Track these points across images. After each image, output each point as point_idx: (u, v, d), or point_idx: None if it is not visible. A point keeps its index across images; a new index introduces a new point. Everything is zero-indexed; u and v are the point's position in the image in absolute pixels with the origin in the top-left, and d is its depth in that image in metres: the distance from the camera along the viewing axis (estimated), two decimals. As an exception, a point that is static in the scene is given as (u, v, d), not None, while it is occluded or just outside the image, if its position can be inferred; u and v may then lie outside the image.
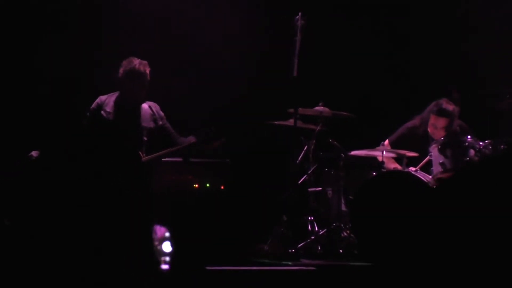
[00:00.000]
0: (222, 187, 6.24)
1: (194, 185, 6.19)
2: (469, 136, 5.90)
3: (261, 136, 7.27)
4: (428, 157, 6.13)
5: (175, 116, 6.26)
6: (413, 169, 6.15)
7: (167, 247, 4.52)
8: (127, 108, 5.98)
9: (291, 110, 6.13)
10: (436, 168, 5.94)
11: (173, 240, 5.48)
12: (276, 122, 6.47)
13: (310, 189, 6.51)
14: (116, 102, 5.98)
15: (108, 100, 6.01)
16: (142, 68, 5.86)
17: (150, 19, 7.36)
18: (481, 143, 5.81)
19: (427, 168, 6.13)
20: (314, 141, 6.42)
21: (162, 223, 4.71)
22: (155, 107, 6.09)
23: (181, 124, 6.16)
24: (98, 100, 6.03)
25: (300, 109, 6.14)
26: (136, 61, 5.90)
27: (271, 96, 7.25)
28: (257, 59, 7.48)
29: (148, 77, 5.88)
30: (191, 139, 5.94)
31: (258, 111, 7.09)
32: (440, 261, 4.70)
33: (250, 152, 7.39)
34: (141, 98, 5.98)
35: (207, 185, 6.21)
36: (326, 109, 6.48)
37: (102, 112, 5.95)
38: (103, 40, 7.05)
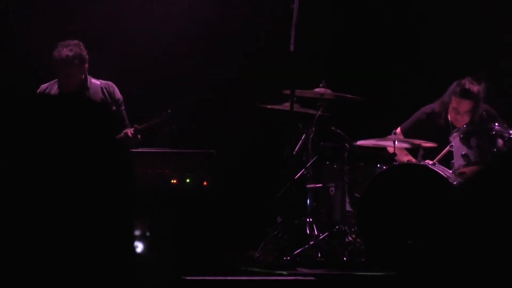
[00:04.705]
0: (205, 183, 6.18)
1: (172, 181, 6.15)
2: (497, 123, 5.88)
3: (252, 123, 7.30)
4: (448, 148, 6.11)
5: (156, 97, 6.38)
6: (431, 162, 6.12)
7: (136, 247, 4.51)
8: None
9: (287, 91, 6.09)
10: (458, 161, 5.94)
11: (145, 241, 5.42)
12: (269, 106, 6.44)
13: (309, 186, 6.47)
14: (57, 90, 6.20)
15: (49, 89, 6.24)
16: (64, 55, 6.04)
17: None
18: (511, 132, 5.80)
19: (447, 161, 6.09)
20: (313, 128, 6.38)
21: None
22: (110, 88, 6.28)
23: (161, 104, 6.28)
24: (39, 90, 6.24)
25: (297, 90, 6.10)
26: (60, 47, 6.06)
27: (263, 75, 7.24)
28: (247, 31, 7.44)
29: (74, 62, 6.06)
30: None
31: (248, 92, 7.15)
32: (464, 271, 4.60)
33: (238, 141, 7.39)
34: (72, 86, 6.13)
35: (188, 180, 6.17)
36: (328, 91, 6.43)
37: None
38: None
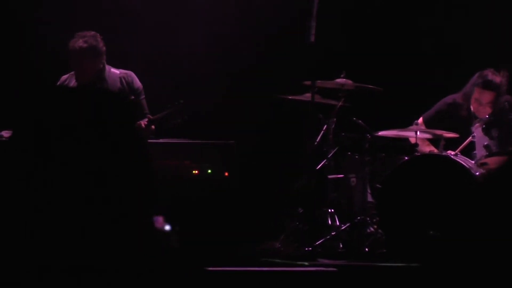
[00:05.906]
0: (226, 174, 6.19)
1: (193, 172, 6.17)
2: (519, 114, 5.90)
3: (272, 114, 7.31)
4: (470, 139, 6.13)
5: (174, 88, 6.51)
6: (452, 152, 6.12)
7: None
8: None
9: (308, 82, 6.08)
10: (480, 152, 5.96)
11: (175, 235, 5.44)
12: (289, 97, 6.43)
13: (330, 176, 6.48)
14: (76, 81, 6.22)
15: (69, 81, 6.25)
16: (77, 46, 6.04)
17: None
18: (533, 122, 5.82)
19: (469, 152, 6.11)
20: (334, 119, 6.37)
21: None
22: (129, 78, 6.25)
23: (179, 96, 6.27)
24: (59, 81, 6.28)
25: (318, 81, 6.10)
26: (76, 37, 6.07)
27: (283, 66, 7.24)
28: (267, 21, 7.44)
29: (86, 54, 6.04)
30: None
31: (269, 83, 7.16)
32: (485, 262, 4.60)
33: (259, 132, 7.40)
34: (87, 77, 6.12)
35: (209, 171, 6.18)
36: (349, 82, 6.42)
37: None
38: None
